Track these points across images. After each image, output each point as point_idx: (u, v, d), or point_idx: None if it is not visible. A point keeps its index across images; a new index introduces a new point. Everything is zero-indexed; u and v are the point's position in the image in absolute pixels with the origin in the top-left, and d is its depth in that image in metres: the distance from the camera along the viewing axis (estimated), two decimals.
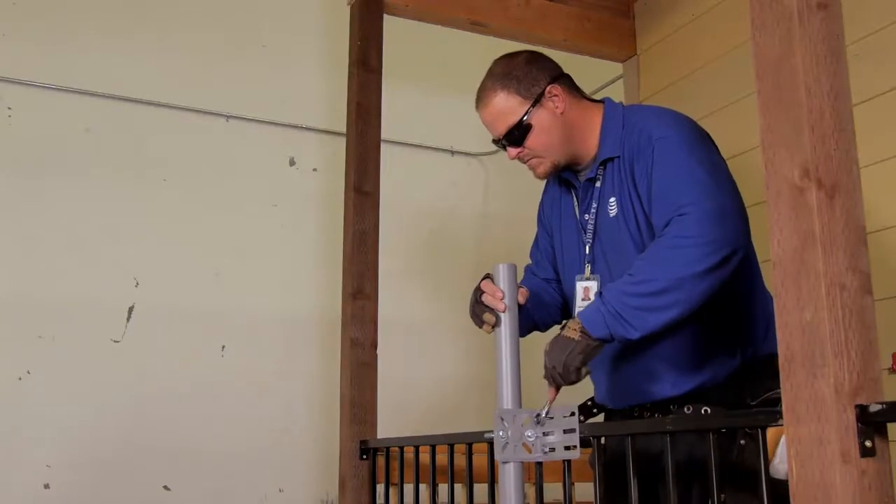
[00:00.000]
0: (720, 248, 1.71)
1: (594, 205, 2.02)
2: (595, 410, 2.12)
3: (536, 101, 1.99)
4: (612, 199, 1.97)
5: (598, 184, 2.01)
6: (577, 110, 2.04)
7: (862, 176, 1.31)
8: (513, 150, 2.03)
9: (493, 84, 2.02)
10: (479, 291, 1.88)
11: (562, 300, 2.18)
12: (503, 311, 1.82)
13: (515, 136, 2.00)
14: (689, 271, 1.70)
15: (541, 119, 1.99)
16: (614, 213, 1.96)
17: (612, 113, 2.03)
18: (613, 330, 1.73)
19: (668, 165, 1.84)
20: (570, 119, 2.02)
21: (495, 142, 2.07)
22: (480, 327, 1.88)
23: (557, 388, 1.79)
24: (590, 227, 2.03)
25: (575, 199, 2.10)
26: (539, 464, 1.92)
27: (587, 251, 2.03)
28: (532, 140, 2.00)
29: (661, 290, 1.71)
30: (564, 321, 1.85)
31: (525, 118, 1.99)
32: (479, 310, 1.86)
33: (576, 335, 1.75)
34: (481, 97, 2.05)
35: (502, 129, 2.01)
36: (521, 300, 1.88)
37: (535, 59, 2.06)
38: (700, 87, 3.43)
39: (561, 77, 2.05)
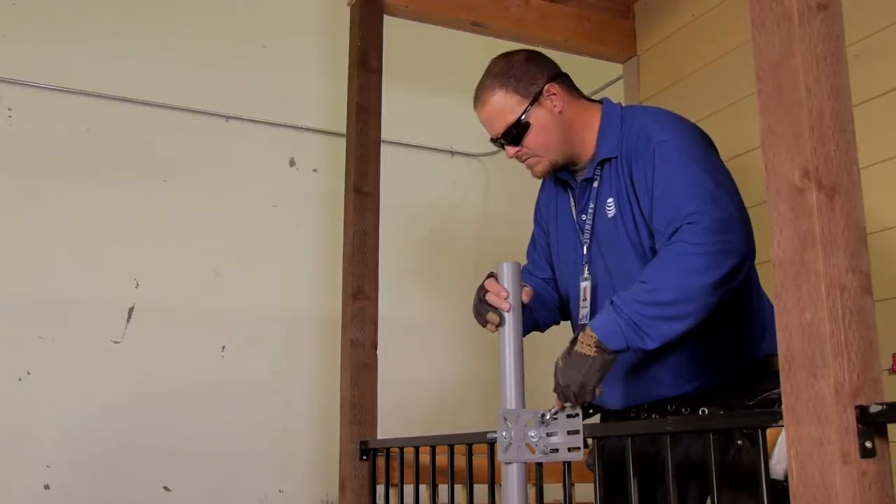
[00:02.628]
0: (729, 258, 1.71)
1: (591, 205, 2.01)
2: (591, 411, 2.11)
3: (535, 99, 1.98)
4: (610, 200, 1.96)
5: (595, 184, 2.00)
6: (576, 109, 2.03)
7: (862, 177, 1.32)
8: (511, 149, 2.03)
9: (492, 83, 2.01)
10: (482, 290, 1.86)
11: (560, 299, 2.18)
12: (507, 311, 1.81)
13: (514, 134, 2.00)
14: (701, 281, 1.69)
15: (539, 118, 1.99)
16: (612, 214, 1.96)
17: (611, 113, 2.03)
18: (630, 341, 1.71)
19: (670, 169, 1.83)
20: (568, 118, 2.01)
21: (493, 140, 2.06)
22: (484, 326, 1.86)
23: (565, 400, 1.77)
24: (587, 227, 2.02)
25: (572, 199, 2.09)
26: (539, 464, 1.92)
27: (584, 252, 2.03)
28: (530, 139, 2.00)
29: (674, 301, 1.70)
30: (574, 335, 1.80)
31: (523, 117, 1.98)
32: (483, 309, 1.84)
33: (591, 350, 1.71)
34: (479, 96, 2.04)
35: (500, 127, 2.01)
36: (526, 299, 1.86)
37: (533, 57, 2.05)
38: (700, 87, 3.43)
39: (559, 76, 2.04)
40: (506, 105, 1.99)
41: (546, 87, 2.00)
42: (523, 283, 1.88)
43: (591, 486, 1.84)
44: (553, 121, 2.00)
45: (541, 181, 2.22)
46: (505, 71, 2.01)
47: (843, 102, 1.32)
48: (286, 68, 3.88)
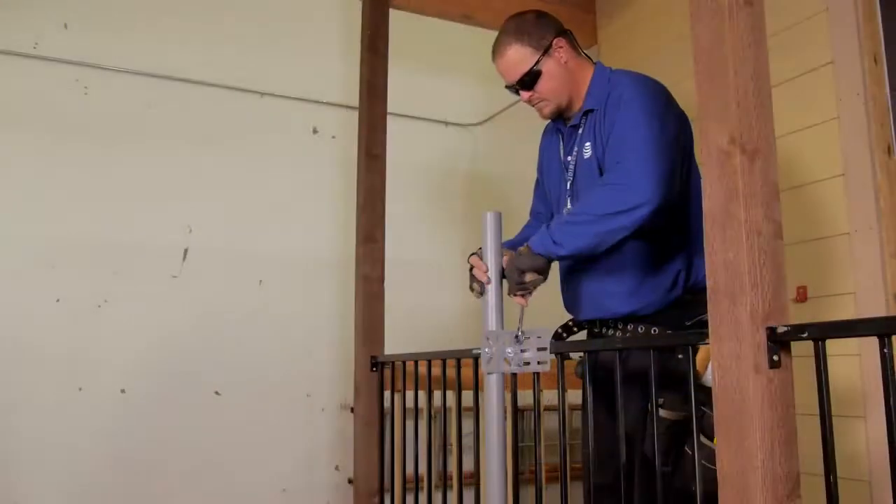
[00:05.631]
0: (630, 198, 1.71)
1: (576, 149, 1.99)
2: (576, 329, 2.12)
3: (545, 51, 1.95)
4: (588, 144, 1.95)
5: (580, 130, 1.98)
6: (577, 63, 2.01)
7: (778, 143, 1.31)
8: (524, 94, 2.00)
9: (508, 38, 1.98)
10: (470, 266, 1.84)
11: None
12: (488, 285, 1.78)
13: (527, 81, 1.97)
14: (602, 210, 1.73)
15: (549, 67, 1.96)
16: (588, 156, 1.94)
17: (601, 72, 2.00)
18: (546, 246, 1.77)
19: (626, 122, 1.83)
20: (571, 69, 1.99)
21: (508, 87, 2.03)
22: (472, 292, 1.84)
23: (523, 297, 1.80)
24: (570, 167, 2.00)
25: (561, 143, 2.07)
26: (514, 374, 1.95)
27: (568, 187, 2.01)
28: (541, 85, 1.97)
29: (582, 222, 1.75)
30: None
31: (535, 66, 1.95)
32: (471, 280, 1.84)
33: (524, 251, 1.79)
34: (497, 49, 2.00)
35: (516, 76, 1.98)
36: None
37: (542, 16, 2.02)
38: (650, 70, 3.38)
39: (565, 32, 2.01)
40: (520, 56, 1.96)
41: (555, 41, 1.97)
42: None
43: (554, 392, 1.87)
44: (560, 70, 1.97)
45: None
46: (519, 27, 1.97)
47: (763, 82, 1.31)
48: (310, 53, 3.82)
